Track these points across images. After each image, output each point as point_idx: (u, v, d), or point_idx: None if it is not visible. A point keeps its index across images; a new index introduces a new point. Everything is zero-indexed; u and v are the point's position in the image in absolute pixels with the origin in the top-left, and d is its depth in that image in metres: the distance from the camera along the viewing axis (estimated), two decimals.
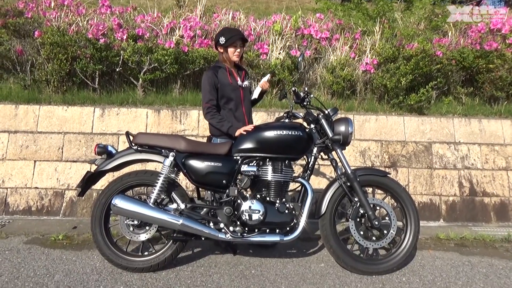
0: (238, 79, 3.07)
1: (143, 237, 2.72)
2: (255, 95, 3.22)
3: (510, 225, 4.30)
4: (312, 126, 2.91)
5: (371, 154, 4.45)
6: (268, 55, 4.87)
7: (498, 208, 4.41)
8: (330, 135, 2.82)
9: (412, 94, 4.70)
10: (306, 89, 3.02)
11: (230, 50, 2.99)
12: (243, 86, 3.08)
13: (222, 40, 2.96)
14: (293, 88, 3.01)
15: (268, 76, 3.28)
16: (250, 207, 2.65)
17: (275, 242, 2.73)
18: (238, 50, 3.00)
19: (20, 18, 4.69)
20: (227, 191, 2.72)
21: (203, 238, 2.70)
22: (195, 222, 2.64)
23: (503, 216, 4.39)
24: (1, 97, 4.29)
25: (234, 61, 3.05)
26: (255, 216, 2.63)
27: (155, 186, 2.66)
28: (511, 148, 4.60)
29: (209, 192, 2.84)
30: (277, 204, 2.72)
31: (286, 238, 2.68)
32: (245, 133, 2.78)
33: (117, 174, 3.02)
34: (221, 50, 3.03)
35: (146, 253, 2.79)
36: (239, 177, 2.77)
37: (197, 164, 2.69)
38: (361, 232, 2.84)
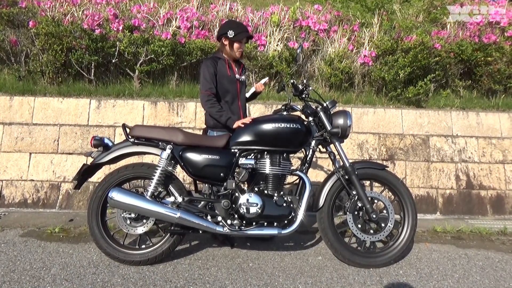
0: (236, 72, 3.05)
1: (140, 230, 2.71)
2: (248, 94, 3.22)
3: (506, 218, 4.34)
4: (311, 119, 2.89)
5: (369, 147, 4.44)
6: (266, 47, 4.83)
7: (494, 201, 4.44)
8: (329, 128, 2.80)
9: (410, 87, 4.68)
10: (304, 81, 2.99)
11: (236, 45, 2.97)
12: (241, 79, 3.06)
13: (230, 33, 2.91)
14: (292, 81, 2.98)
15: (266, 80, 3.29)
16: (248, 200, 2.64)
17: (273, 235, 2.72)
18: (243, 47, 3.03)
19: (14, 8, 4.61)
20: (225, 184, 2.71)
21: (200, 231, 2.68)
22: (192, 215, 2.63)
23: (499, 209, 4.42)
24: None
25: (236, 57, 3.04)
26: (253, 209, 2.62)
27: (152, 179, 2.64)
28: (508, 141, 4.61)
29: (206, 185, 2.82)
30: (275, 197, 2.71)
31: (284, 231, 2.67)
32: (243, 125, 2.75)
33: (114, 167, 3.00)
34: (226, 43, 2.98)
35: (143, 246, 2.78)
36: (237, 170, 2.75)
37: (194, 157, 2.67)
38: (359, 225, 2.85)
